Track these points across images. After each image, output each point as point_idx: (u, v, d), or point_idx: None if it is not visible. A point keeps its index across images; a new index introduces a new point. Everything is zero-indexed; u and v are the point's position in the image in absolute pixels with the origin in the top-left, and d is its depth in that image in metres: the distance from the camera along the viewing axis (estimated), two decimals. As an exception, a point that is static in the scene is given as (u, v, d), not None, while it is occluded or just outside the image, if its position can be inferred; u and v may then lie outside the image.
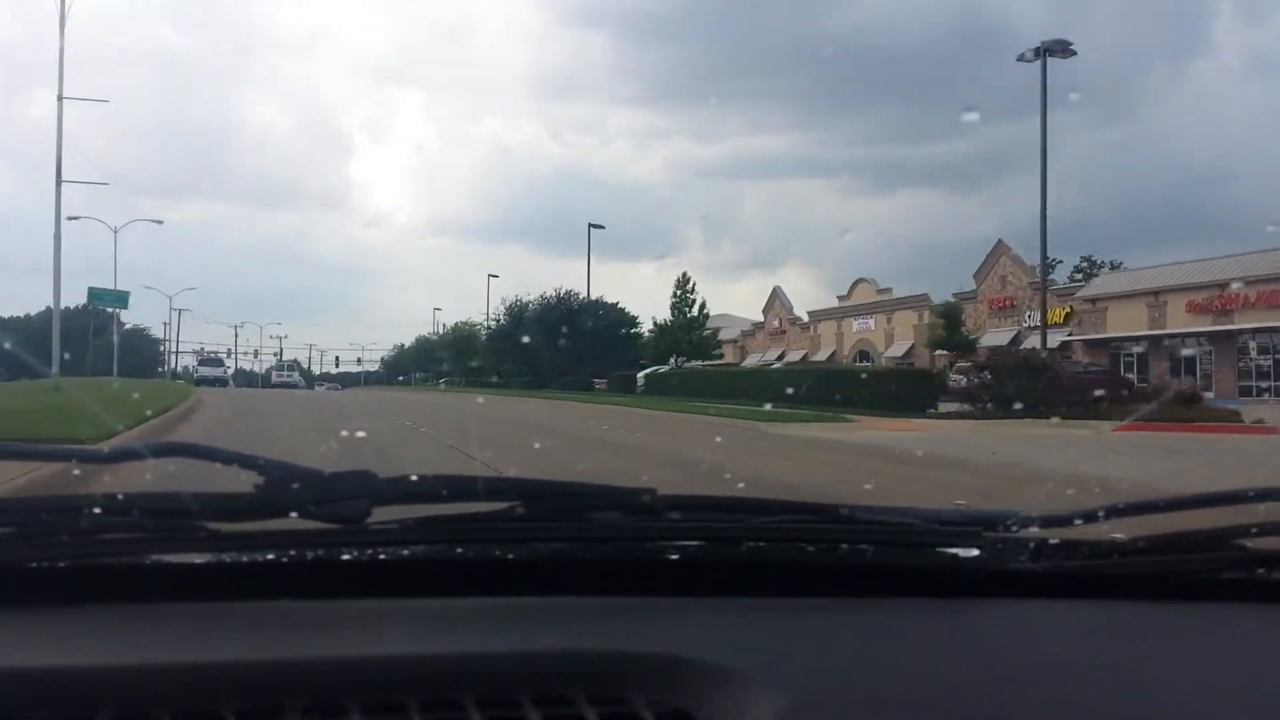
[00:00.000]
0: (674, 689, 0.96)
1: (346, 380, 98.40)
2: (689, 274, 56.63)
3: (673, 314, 55.71)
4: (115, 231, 54.33)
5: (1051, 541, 1.30)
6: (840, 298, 64.31)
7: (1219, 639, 1.21)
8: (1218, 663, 1.14)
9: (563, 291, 62.02)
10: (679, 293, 55.83)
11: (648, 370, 50.86)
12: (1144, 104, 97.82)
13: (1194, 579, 1.33)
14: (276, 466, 1.12)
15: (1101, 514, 1.33)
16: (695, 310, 55.81)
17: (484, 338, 68.42)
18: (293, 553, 1.12)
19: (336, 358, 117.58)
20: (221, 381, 58.88)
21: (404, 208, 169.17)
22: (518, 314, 62.87)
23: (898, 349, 57.06)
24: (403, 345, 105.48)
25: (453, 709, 0.91)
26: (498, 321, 64.97)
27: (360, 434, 14.27)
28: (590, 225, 58.37)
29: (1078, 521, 1.34)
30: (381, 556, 1.14)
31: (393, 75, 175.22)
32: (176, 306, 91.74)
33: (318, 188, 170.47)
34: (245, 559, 1.11)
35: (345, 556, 1.13)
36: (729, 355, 68.04)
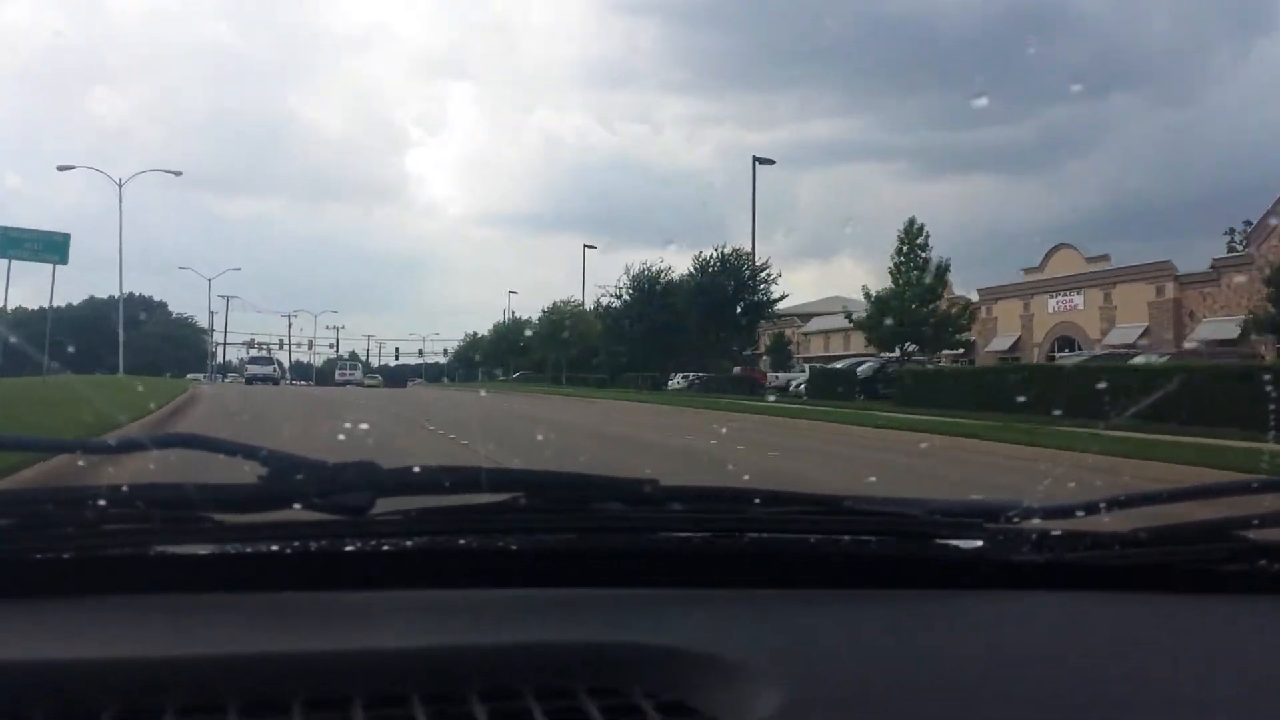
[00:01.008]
0: (675, 681, 0.96)
1: (402, 377, 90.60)
2: (919, 220, 37.12)
3: (894, 280, 36.45)
4: (120, 185, 47.83)
5: (1053, 533, 1.30)
6: (1028, 270, 48.79)
7: (1221, 630, 1.21)
8: (1220, 654, 1.14)
9: (726, 249, 45.32)
10: (904, 249, 36.37)
11: (871, 365, 36.28)
12: (1208, 84, 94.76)
13: (1196, 570, 1.33)
14: (280, 458, 1.13)
15: (1104, 505, 1.33)
16: (931, 274, 36.22)
17: (600, 318, 53.74)
18: (296, 544, 1.12)
19: (396, 349, 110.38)
20: (273, 380, 55.77)
21: (457, 199, 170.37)
22: (646, 286, 48.59)
23: (1123, 334, 42.66)
24: (475, 334, 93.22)
25: (455, 701, 0.91)
26: (618, 298, 50.24)
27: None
28: (756, 159, 44.74)
29: (1080, 513, 1.34)
30: (385, 548, 1.14)
31: (445, 68, 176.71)
32: (223, 294, 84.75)
33: (372, 181, 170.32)
34: (249, 550, 1.12)
35: (348, 548, 1.14)
36: (851, 345, 51.19)
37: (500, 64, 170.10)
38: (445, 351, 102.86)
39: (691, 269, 46.43)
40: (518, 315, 78.33)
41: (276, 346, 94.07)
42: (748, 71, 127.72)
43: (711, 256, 45.62)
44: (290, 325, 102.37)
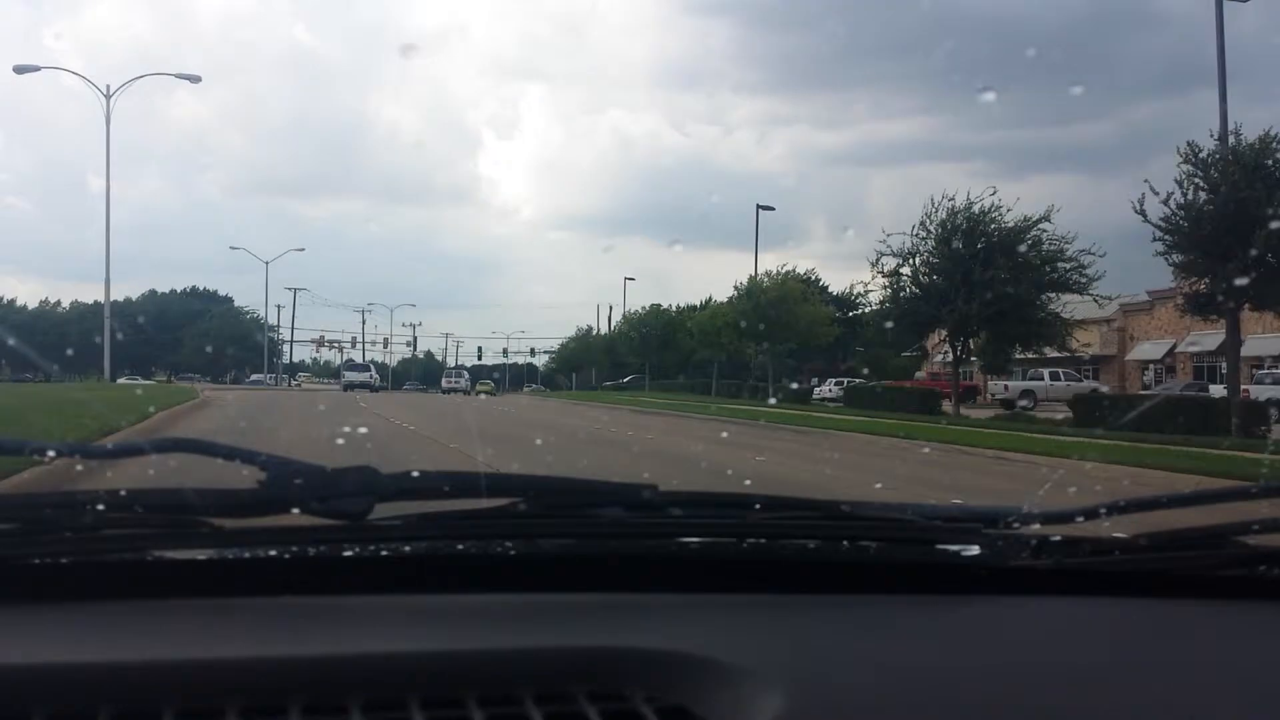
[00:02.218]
0: (675, 685, 0.96)
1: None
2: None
3: None
4: (108, 99, 39.79)
5: (1053, 538, 1.30)
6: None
7: (1220, 636, 1.21)
8: (1219, 659, 1.13)
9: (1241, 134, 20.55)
10: None
11: None
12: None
13: (1196, 576, 1.33)
14: (279, 463, 1.13)
15: (1103, 511, 1.33)
16: None
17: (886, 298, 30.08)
18: (295, 549, 1.12)
19: (479, 348, 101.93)
20: (370, 387, 53.95)
21: (530, 201, 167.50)
22: (964, 232, 27.23)
23: None
24: (587, 328, 79.53)
25: (454, 705, 0.91)
26: (910, 259, 28.61)
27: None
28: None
29: (1079, 519, 1.34)
30: (383, 553, 1.14)
31: (518, 70, 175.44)
32: (290, 285, 76.30)
33: (446, 183, 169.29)
34: (247, 555, 1.12)
35: (347, 553, 1.14)
36: (1087, 341, 33.80)
37: (573, 66, 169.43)
38: (532, 351, 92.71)
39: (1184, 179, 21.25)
40: (615, 310, 67.90)
41: (349, 345, 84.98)
42: (822, 71, 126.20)
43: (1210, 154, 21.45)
44: (364, 321, 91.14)
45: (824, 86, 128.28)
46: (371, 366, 65.27)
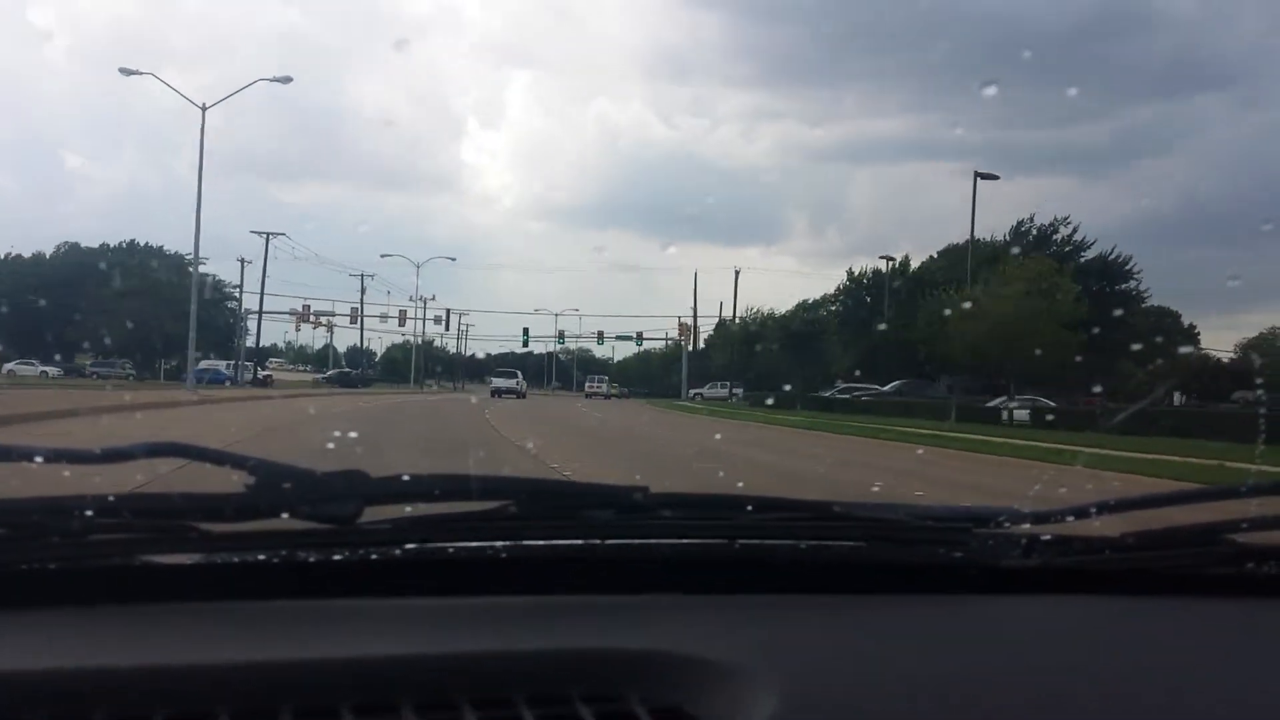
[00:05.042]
0: (669, 686, 0.96)
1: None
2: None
3: None
4: None
5: (1043, 538, 1.30)
6: None
7: (1209, 633, 1.21)
8: (1208, 656, 1.14)
9: None
10: None
11: None
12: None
13: (1185, 574, 1.34)
14: (268, 467, 1.12)
15: (1093, 510, 1.34)
16: None
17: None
18: (284, 553, 1.12)
19: (525, 329, 77.39)
20: (517, 394, 51.77)
21: (512, 190, 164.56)
22: None
23: None
24: (760, 311, 62.13)
25: (446, 709, 0.91)
26: None
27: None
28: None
29: (1069, 518, 1.35)
30: (373, 556, 1.14)
31: (506, 57, 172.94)
32: (260, 229, 54.84)
33: (430, 170, 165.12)
34: (236, 560, 1.11)
35: (336, 556, 1.13)
36: None
37: (562, 55, 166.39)
38: (600, 337, 74.33)
39: None
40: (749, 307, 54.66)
41: (347, 319, 67.24)
42: (813, 66, 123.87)
43: None
44: (364, 289, 67.88)
45: (815, 82, 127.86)
46: (519, 373, 60.22)
